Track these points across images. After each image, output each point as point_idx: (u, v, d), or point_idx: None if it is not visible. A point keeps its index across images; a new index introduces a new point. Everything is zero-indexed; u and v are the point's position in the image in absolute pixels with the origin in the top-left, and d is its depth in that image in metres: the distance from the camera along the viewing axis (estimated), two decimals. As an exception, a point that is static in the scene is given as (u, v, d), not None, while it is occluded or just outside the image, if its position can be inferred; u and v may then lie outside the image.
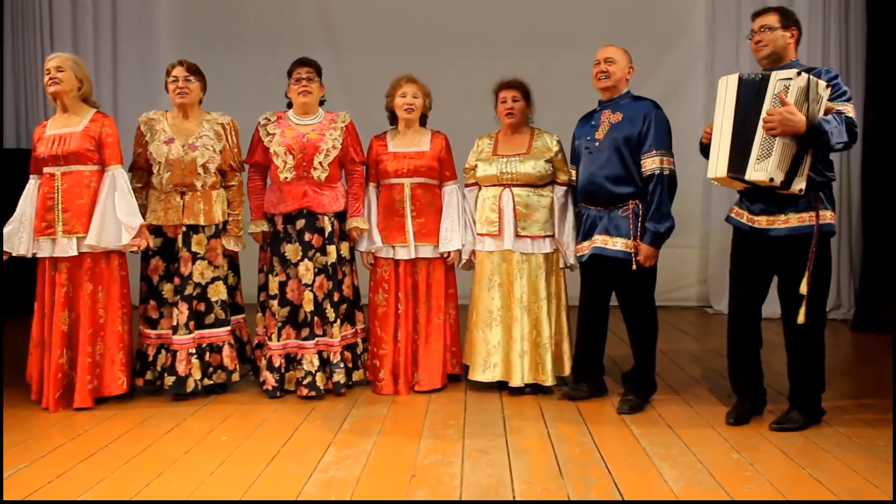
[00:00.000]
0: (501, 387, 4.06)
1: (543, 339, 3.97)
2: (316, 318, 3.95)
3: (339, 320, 3.99)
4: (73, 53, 4.03)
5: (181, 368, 3.84)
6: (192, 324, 3.88)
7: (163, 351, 3.94)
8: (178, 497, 2.68)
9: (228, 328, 4.00)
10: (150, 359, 3.95)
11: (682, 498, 2.68)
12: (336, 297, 3.98)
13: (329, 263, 3.97)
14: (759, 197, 3.40)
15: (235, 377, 4.00)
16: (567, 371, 4.04)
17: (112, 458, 3.07)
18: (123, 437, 3.34)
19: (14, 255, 3.76)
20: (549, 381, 3.97)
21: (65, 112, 3.82)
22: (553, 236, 4.01)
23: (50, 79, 3.75)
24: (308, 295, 3.92)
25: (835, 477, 2.87)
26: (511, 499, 2.68)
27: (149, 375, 3.94)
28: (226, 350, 3.97)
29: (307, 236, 3.94)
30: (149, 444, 3.23)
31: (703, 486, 2.79)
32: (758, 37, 3.43)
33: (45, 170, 3.77)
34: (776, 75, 3.23)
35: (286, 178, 3.93)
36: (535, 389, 4.00)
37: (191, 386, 3.85)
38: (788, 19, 3.45)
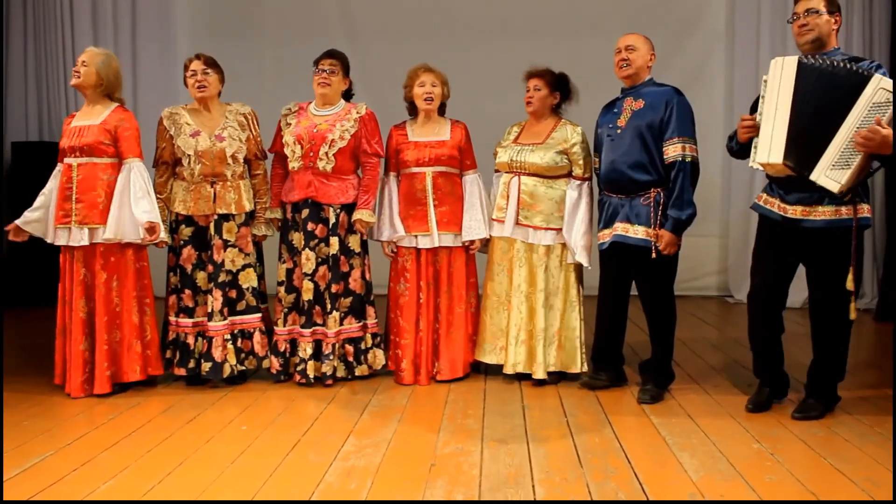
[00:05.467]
0: (521, 377, 4.06)
1: (537, 330, 3.96)
2: (317, 307, 3.98)
3: (337, 312, 3.98)
4: (93, 46, 4.06)
5: (217, 354, 3.89)
6: (226, 310, 3.93)
7: (199, 339, 3.98)
8: (201, 485, 2.71)
9: (259, 315, 4.05)
10: (192, 347, 3.98)
11: (702, 487, 2.67)
12: (336, 288, 3.97)
13: (331, 255, 3.98)
14: (796, 186, 3.31)
15: (266, 363, 4.04)
16: (579, 367, 4.01)
17: (135, 446, 3.11)
18: (146, 426, 3.38)
19: (44, 238, 3.86)
20: (539, 373, 3.95)
21: (90, 104, 3.89)
22: (557, 230, 3.97)
23: (74, 71, 3.85)
24: (307, 284, 3.95)
25: (857, 467, 2.85)
26: (531, 488, 2.68)
27: (191, 364, 3.96)
28: (256, 336, 4.03)
29: (310, 226, 3.97)
30: (170, 434, 3.27)
31: (722, 476, 2.77)
32: (803, 20, 3.31)
33: (65, 160, 3.84)
34: (880, 81, 3.04)
35: (294, 167, 3.97)
36: (522, 379, 4.02)
37: (227, 371, 3.90)
38: (833, 4, 3.33)
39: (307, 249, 3.96)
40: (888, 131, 3.00)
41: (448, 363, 4.10)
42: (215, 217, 3.93)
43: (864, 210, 3.27)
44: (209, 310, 3.93)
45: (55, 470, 2.85)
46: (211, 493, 2.66)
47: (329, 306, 3.97)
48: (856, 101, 3.08)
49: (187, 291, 4.00)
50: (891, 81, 3.04)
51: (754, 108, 3.53)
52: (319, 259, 3.98)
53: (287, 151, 3.98)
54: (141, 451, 3.05)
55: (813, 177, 3.15)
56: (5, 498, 2.61)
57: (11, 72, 6.77)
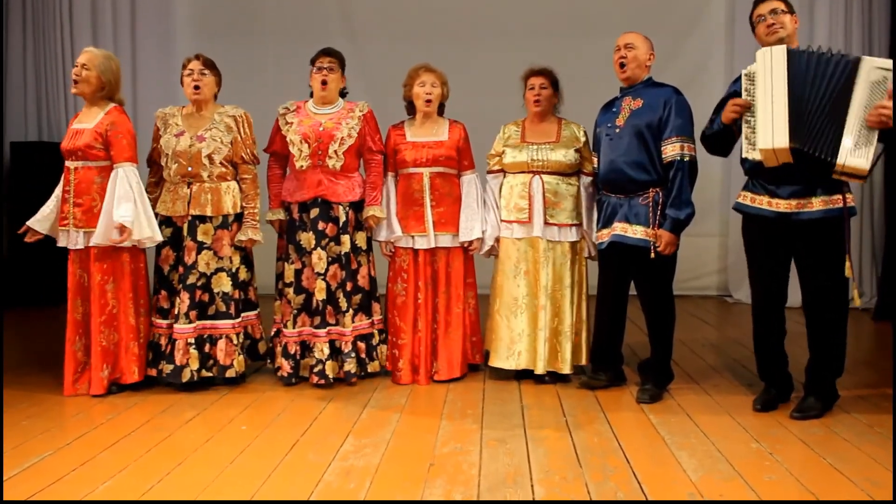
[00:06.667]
0: (520, 376, 4.07)
1: (565, 327, 3.98)
2: (329, 307, 3.97)
3: (351, 310, 3.99)
4: (93, 46, 4.05)
5: (178, 357, 3.83)
6: (193, 313, 3.86)
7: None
8: (200, 484, 2.71)
9: (231, 322, 3.93)
10: (163, 349, 3.94)
11: (701, 486, 2.67)
12: (349, 286, 3.98)
13: (343, 253, 3.97)
14: (786, 179, 3.32)
15: (230, 373, 3.91)
16: (585, 360, 4.03)
17: (134, 446, 3.11)
18: (145, 425, 3.38)
19: (47, 234, 3.90)
20: (566, 369, 3.97)
21: (88, 106, 3.88)
22: (578, 225, 4.01)
23: (73, 75, 3.82)
24: (320, 284, 3.94)
25: (856, 466, 2.85)
26: (530, 487, 2.69)
27: (161, 365, 3.90)
28: (221, 344, 3.92)
29: (321, 225, 3.96)
30: (170, 433, 3.27)
31: (721, 476, 2.78)
32: (771, 19, 3.40)
33: (66, 163, 3.84)
34: (870, 62, 3.16)
35: (301, 166, 3.95)
36: (553, 378, 4.00)
37: (187, 376, 3.82)
38: (790, 5, 3.44)
39: (318, 249, 3.95)
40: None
41: (446, 363, 4.09)
42: (189, 218, 3.89)
43: (850, 199, 3.32)
44: (176, 311, 3.89)
45: (54, 470, 2.85)
46: (210, 492, 2.66)
47: (345, 305, 3.96)
48: (855, 83, 3.16)
49: (163, 292, 3.98)
50: (880, 59, 3.17)
51: (720, 108, 3.54)
52: (330, 258, 3.97)
53: (293, 150, 3.97)
54: (140, 451, 3.05)
55: (840, 160, 3.15)
56: (5, 497, 2.62)
57: (10, 71, 6.77)
